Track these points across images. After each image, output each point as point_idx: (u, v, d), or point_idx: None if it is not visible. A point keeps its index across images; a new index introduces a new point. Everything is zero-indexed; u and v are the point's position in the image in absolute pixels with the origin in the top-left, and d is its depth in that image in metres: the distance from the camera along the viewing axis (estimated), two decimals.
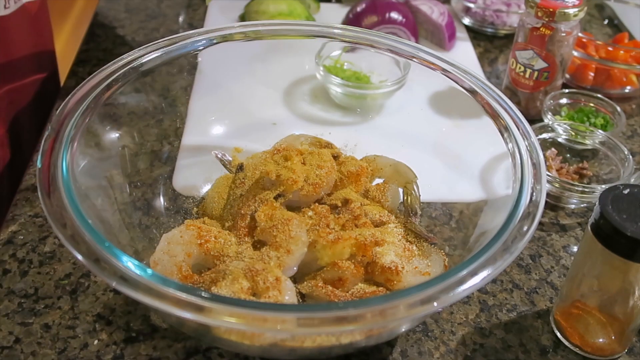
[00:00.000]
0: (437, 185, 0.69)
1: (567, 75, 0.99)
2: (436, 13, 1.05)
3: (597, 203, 0.53)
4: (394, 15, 1.00)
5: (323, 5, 1.15)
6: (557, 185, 0.74)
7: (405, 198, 0.68)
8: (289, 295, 0.53)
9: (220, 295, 0.50)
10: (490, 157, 0.63)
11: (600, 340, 0.59)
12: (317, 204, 0.62)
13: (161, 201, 0.68)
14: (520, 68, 0.88)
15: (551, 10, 0.81)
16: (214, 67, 0.78)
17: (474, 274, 0.45)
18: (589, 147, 0.83)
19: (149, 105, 0.70)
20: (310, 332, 0.46)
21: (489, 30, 1.11)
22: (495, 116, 0.62)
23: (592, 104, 0.90)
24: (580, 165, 0.81)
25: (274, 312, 0.43)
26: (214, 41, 0.68)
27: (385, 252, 0.58)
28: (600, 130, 0.83)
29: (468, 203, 0.67)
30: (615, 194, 0.53)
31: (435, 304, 0.43)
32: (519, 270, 0.68)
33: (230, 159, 0.71)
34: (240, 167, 0.67)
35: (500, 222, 0.51)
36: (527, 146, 0.58)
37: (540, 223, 0.72)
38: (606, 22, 1.19)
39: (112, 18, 1.10)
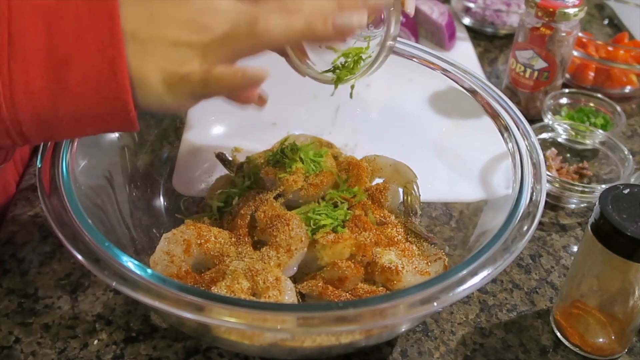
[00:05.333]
0: (437, 185, 0.69)
1: (567, 75, 0.99)
2: (436, 13, 1.05)
3: (597, 203, 0.53)
4: None
5: None
6: (557, 185, 0.74)
7: (405, 198, 0.68)
8: (289, 295, 0.53)
9: (220, 295, 0.50)
10: (490, 157, 0.63)
11: (600, 340, 0.59)
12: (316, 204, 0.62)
13: (161, 201, 0.68)
14: (520, 68, 0.88)
15: (551, 10, 0.81)
16: None
17: (474, 274, 0.46)
18: (589, 147, 0.83)
19: None
20: (310, 332, 0.47)
21: (489, 30, 1.11)
22: (495, 116, 0.62)
23: (592, 104, 0.90)
24: (580, 165, 0.81)
25: (274, 312, 0.43)
26: None
27: (385, 252, 0.58)
28: (600, 130, 0.83)
29: (468, 203, 0.67)
30: (615, 194, 0.53)
31: (435, 304, 0.43)
32: (519, 270, 0.68)
33: (230, 159, 0.71)
34: (240, 167, 0.67)
35: (500, 222, 0.51)
36: (527, 146, 0.58)
37: (540, 223, 0.72)
38: (606, 22, 1.19)
39: None
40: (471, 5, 1.11)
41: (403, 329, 0.58)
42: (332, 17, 0.46)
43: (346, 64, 0.58)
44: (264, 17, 0.45)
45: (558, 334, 0.61)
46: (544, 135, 0.83)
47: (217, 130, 0.77)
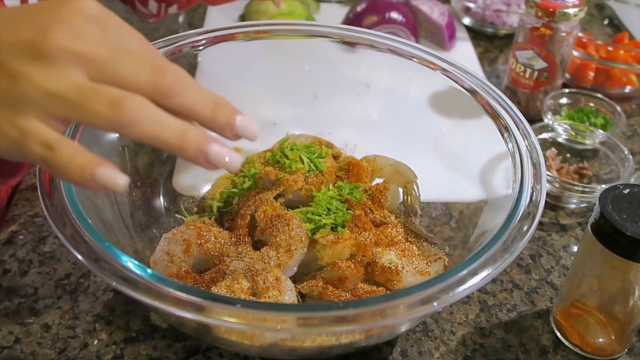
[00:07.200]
0: (437, 185, 0.69)
1: (567, 75, 0.99)
2: (436, 13, 1.05)
3: (597, 203, 0.53)
4: (394, 15, 1.00)
5: (323, 5, 1.15)
6: (557, 185, 0.74)
7: (405, 198, 0.68)
8: (289, 295, 0.53)
9: (220, 295, 0.50)
10: (490, 157, 0.63)
11: (600, 340, 0.59)
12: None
13: (161, 201, 0.68)
14: (520, 68, 0.88)
15: (551, 10, 0.81)
16: (214, 67, 0.78)
17: (474, 274, 0.45)
18: (589, 147, 0.83)
19: None
20: (310, 332, 0.47)
21: (489, 30, 1.11)
22: (495, 116, 0.62)
23: (592, 104, 0.90)
24: (580, 165, 0.81)
25: (274, 312, 0.43)
26: (214, 41, 0.68)
27: (385, 252, 0.58)
28: (600, 130, 0.83)
29: (468, 203, 0.67)
30: (615, 194, 0.53)
31: (435, 304, 0.43)
32: (519, 270, 0.68)
33: None
34: (240, 167, 0.67)
35: (500, 222, 0.51)
36: (527, 146, 0.58)
37: (540, 223, 0.72)
38: (606, 22, 1.19)
39: None
40: (471, 5, 1.11)
41: (403, 329, 0.58)
42: (205, 147, 0.38)
43: None
44: (134, 106, 0.35)
45: (558, 334, 0.61)
46: (544, 135, 0.83)
47: None
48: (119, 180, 0.37)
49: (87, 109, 0.35)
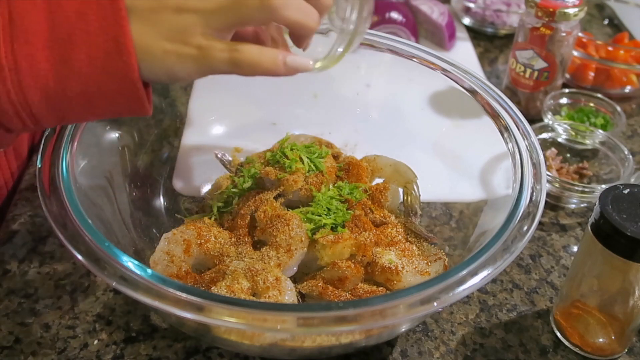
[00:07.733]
0: (437, 185, 0.69)
1: (567, 75, 0.99)
2: (436, 13, 1.05)
3: (597, 203, 0.53)
4: (394, 15, 1.00)
5: None
6: (557, 185, 0.74)
7: (405, 198, 0.68)
8: (289, 295, 0.53)
9: (220, 295, 0.50)
10: (490, 157, 0.63)
11: (600, 340, 0.59)
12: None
13: (161, 201, 0.68)
14: (520, 68, 0.88)
15: (551, 10, 0.81)
16: None
17: (474, 274, 0.46)
18: (589, 147, 0.83)
19: None
20: (310, 332, 0.47)
21: (489, 30, 1.11)
22: (495, 116, 0.62)
23: (592, 104, 0.90)
24: (580, 165, 0.81)
25: (274, 312, 0.43)
26: None
27: (385, 252, 0.58)
28: (600, 130, 0.83)
29: (468, 203, 0.67)
30: (615, 194, 0.53)
31: (435, 304, 0.43)
32: (519, 270, 0.68)
33: (230, 159, 0.71)
34: (240, 167, 0.67)
35: (500, 222, 0.51)
36: (527, 146, 0.58)
37: (540, 223, 0.72)
38: (606, 22, 1.19)
39: None
40: (471, 5, 1.11)
41: (403, 329, 0.58)
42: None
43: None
44: None
45: (558, 334, 0.61)
46: (544, 135, 0.83)
47: (217, 130, 0.77)
48: (308, 63, 0.46)
49: (242, 5, 0.42)
